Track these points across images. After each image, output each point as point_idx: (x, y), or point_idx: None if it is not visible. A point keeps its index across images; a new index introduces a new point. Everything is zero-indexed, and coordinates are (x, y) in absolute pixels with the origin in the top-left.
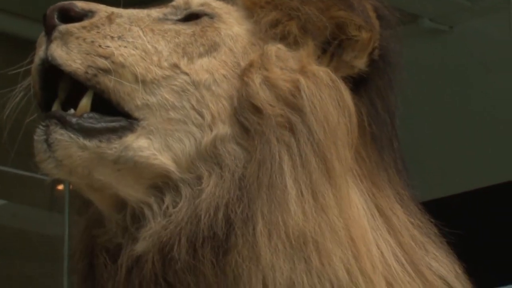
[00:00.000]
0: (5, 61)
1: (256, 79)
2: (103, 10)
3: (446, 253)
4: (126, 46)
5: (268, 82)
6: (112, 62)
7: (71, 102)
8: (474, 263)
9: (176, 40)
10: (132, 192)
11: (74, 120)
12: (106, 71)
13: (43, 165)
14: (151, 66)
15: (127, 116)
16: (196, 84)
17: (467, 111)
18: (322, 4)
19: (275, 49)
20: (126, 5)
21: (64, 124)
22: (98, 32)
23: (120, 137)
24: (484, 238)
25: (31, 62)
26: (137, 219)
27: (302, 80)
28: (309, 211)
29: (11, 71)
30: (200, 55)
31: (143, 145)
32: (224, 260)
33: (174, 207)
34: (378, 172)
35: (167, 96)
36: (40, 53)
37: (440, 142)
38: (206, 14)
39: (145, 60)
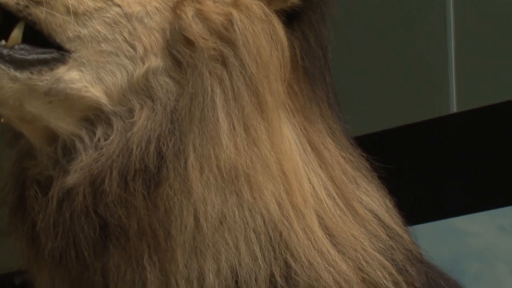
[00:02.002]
0: None
1: (188, 12)
2: None
3: (377, 188)
4: None
5: (201, 15)
6: None
7: (2, 33)
8: (405, 197)
9: None
10: (63, 124)
11: (5, 51)
12: (38, 2)
13: None
14: None
15: (59, 48)
16: (128, 17)
17: (401, 46)
18: None
19: None
20: None
21: None
22: None
23: (52, 69)
24: (415, 173)
25: None
26: (68, 151)
27: (235, 13)
28: (241, 144)
29: None
30: None
31: (74, 77)
32: (155, 193)
33: (105, 140)
34: (310, 106)
35: (99, 28)
36: None
37: (372, 77)
38: None
39: None
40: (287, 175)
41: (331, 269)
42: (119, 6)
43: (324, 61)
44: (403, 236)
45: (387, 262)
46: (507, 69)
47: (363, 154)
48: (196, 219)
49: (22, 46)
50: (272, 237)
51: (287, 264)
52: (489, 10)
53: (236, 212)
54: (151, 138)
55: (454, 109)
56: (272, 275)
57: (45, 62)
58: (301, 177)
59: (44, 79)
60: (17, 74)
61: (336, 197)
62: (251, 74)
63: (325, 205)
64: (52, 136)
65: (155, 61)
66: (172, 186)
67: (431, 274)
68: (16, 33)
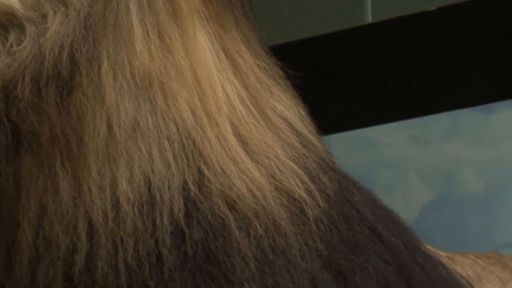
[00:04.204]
0: None
1: None
2: None
3: (291, 96)
4: None
5: None
6: None
7: None
8: (319, 106)
9: None
10: None
11: None
12: None
13: None
14: None
15: None
16: None
17: None
18: None
19: None
20: None
21: None
22: None
23: None
24: (329, 82)
25: None
26: None
27: None
28: (155, 51)
29: None
30: None
31: None
32: (68, 99)
33: (18, 45)
34: (225, 14)
35: None
36: None
37: None
38: None
39: None
40: (201, 82)
41: (244, 176)
42: None
43: None
44: (316, 145)
45: (300, 170)
46: None
47: (278, 63)
48: (109, 125)
49: None
50: (186, 145)
51: (200, 172)
52: None
53: (150, 119)
54: (64, 44)
55: (369, 19)
56: (185, 182)
57: None
58: (215, 85)
59: None
60: None
61: (250, 105)
62: None
63: (239, 113)
64: None
65: None
66: (85, 92)
67: (343, 182)
68: None
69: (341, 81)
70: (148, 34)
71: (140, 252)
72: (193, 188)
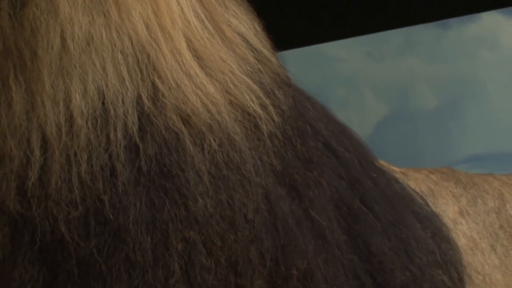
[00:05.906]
0: None
1: None
2: None
3: (246, 11)
4: None
5: None
6: None
7: None
8: (274, 22)
9: None
10: None
11: None
12: None
13: None
14: None
15: None
16: None
17: None
18: None
19: None
20: None
21: None
22: None
23: None
24: None
25: None
26: None
27: None
28: None
29: None
30: None
31: None
32: (21, 12)
33: None
34: None
35: None
36: None
37: None
38: None
39: None
40: None
41: (198, 91)
42: None
43: None
44: (271, 60)
45: (255, 85)
46: None
47: None
48: (63, 39)
49: None
50: (140, 59)
51: (154, 86)
52: None
53: (104, 33)
54: None
55: None
56: (139, 96)
57: None
58: None
59: None
60: None
61: (205, 19)
62: None
63: (194, 27)
64: None
65: None
66: (39, 5)
67: (298, 98)
68: None
69: None
70: None
71: (94, 166)
72: (147, 103)
